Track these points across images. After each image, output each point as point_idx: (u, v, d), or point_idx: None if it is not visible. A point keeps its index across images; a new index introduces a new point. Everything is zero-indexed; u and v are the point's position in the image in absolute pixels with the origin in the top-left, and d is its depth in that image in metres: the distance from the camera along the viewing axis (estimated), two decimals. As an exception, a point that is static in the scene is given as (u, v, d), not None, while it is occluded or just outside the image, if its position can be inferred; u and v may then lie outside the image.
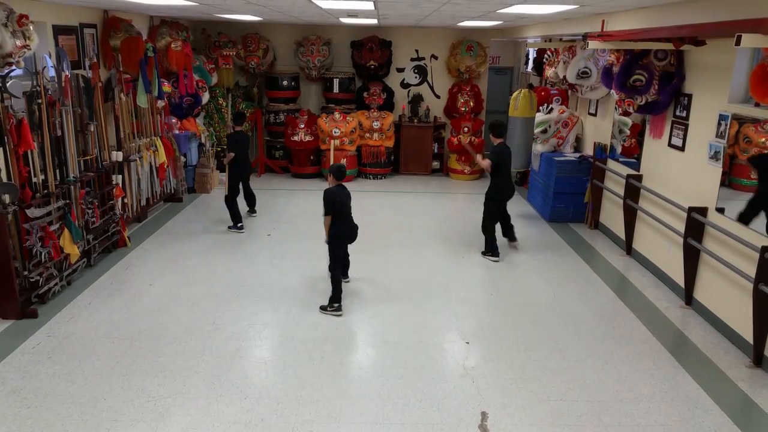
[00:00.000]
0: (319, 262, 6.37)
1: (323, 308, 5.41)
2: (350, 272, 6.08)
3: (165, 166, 8.30)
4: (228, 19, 9.80)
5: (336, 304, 5.39)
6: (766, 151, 4.88)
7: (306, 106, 11.48)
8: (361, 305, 5.59)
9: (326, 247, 5.52)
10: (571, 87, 8.63)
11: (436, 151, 11.51)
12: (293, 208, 8.86)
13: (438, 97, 11.69)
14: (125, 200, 7.31)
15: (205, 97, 9.81)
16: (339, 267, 5.49)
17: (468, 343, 4.93)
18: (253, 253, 6.94)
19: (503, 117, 10.23)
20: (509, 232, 7.30)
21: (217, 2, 6.33)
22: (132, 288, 5.86)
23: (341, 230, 5.38)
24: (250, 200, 8.30)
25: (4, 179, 5.17)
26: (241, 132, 7.82)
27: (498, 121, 7.00)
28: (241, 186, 7.93)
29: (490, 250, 6.94)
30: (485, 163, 6.75)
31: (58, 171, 5.82)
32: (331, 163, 5.84)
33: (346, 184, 5.62)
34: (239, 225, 7.66)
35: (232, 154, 7.67)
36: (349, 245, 5.66)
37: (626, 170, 7.23)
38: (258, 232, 7.71)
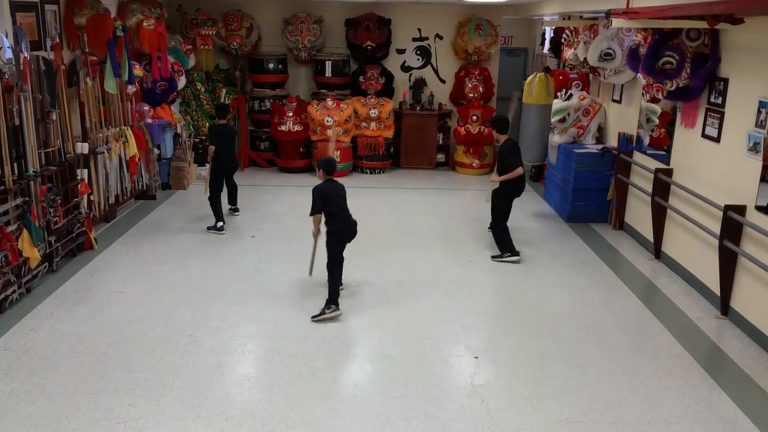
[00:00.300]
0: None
1: (318, 316, 5.41)
2: (345, 277, 6.07)
3: (136, 159, 8.30)
4: (207, -6, 9.79)
5: (333, 306, 5.44)
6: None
7: (295, 92, 11.48)
8: (357, 315, 5.59)
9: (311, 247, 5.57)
10: (593, 70, 8.64)
11: (441, 142, 11.51)
12: (280, 207, 8.86)
13: (443, 81, 11.69)
14: (92, 197, 7.30)
15: (182, 82, 9.79)
16: (336, 265, 5.54)
17: (477, 357, 4.94)
18: (235, 256, 6.93)
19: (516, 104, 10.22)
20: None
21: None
22: (99, 296, 5.85)
23: (338, 227, 5.44)
24: (232, 193, 8.30)
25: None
26: (225, 125, 7.83)
27: (501, 116, 7.10)
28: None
29: (508, 249, 6.98)
30: (518, 171, 6.76)
31: (15, 165, 5.81)
32: (332, 155, 5.82)
33: (339, 179, 5.64)
34: (219, 225, 7.66)
35: (213, 148, 7.67)
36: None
37: (654, 164, 7.23)
38: (241, 233, 7.71)
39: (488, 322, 5.54)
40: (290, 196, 9.37)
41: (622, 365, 4.88)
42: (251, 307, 5.70)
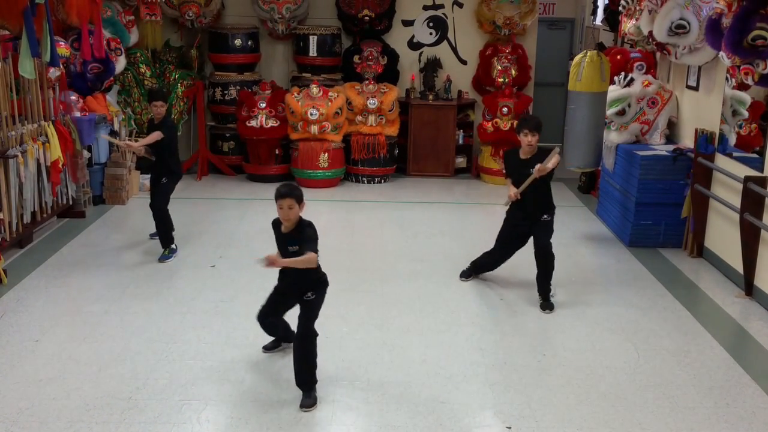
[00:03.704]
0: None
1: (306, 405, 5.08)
2: (332, 322, 6.05)
3: (60, 165, 8.30)
4: (155, -50, 9.88)
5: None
6: None
7: (269, 77, 11.53)
8: (350, 372, 5.57)
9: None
10: (661, 48, 8.67)
11: (461, 141, 11.53)
12: (248, 226, 8.86)
13: (464, 62, 11.74)
14: (0, 216, 7.30)
15: (121, 64, 9.83)
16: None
17: (509, 428, 4.91)
18: (189, 293, 6.93)
19: (560, 90, 10.24)
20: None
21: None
22: (9, 346, 5.83)
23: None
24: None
25: None
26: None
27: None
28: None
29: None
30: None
31: None
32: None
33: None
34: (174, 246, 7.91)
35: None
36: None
37: (744, 170, 7.23)
38: (197, 262, 7.71)
39: (525, 381, 5.51)
40: (262, 213, 9.35)
41: (704, 438, 4.84)
42: (210, 360, 5.67)
